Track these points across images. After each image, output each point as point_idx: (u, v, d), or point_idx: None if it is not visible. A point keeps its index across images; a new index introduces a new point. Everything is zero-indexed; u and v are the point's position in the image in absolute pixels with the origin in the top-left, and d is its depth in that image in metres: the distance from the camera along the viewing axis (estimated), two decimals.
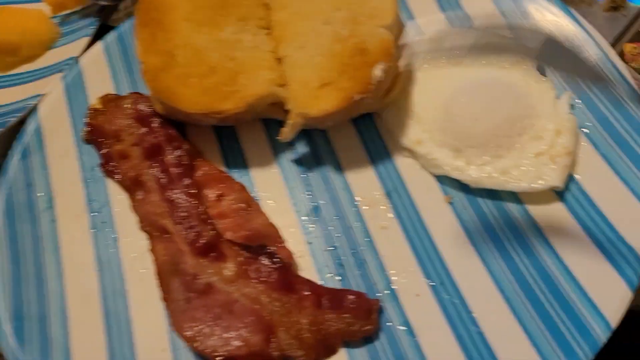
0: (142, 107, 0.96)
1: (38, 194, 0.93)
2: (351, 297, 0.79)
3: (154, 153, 0.93)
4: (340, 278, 0.84)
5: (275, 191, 0.92)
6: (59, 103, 1.01)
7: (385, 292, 0.82)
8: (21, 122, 1.00)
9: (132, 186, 0.92)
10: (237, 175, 0.94)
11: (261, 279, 0.81)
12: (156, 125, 0.95)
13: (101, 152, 0.97)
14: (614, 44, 0.99)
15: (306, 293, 0.79)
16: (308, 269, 0.85)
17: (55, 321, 0.83)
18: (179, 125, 0.96)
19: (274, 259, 0.82)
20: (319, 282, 0.84)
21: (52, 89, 1.02)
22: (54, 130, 0.99)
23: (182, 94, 0.89)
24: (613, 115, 0.88)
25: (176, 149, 0.93)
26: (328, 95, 0.87)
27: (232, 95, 0.89)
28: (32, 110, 1.01)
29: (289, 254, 0.85)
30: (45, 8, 1.16)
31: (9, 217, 0.91)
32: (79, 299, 0.85)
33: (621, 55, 0.98)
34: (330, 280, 0.84)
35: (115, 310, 0.84)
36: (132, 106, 0.97)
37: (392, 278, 0.83)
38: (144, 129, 0.95)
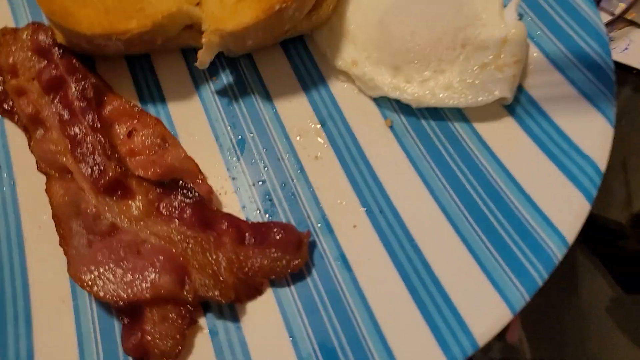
0: (42, 37, 0.84)
1: None
2: (277, 229, 0.69)
3: (54, 87, 0.81)
4: (268, 215, 0.74)
5: (196, 125, 0.82)
6: None
7: (318, 225, 0.72)
8: None
9: (30, 124, 0.81)
10: (153, 110, 0.84)
11: (173, 215, 0.71)
12: (57, 55, 0.83)
13: None
14: None
15: (225, 227, 0.69)
16: (232, 206, 0.75)
17: None
18: (87, 59, 0.85)
19: (189, 194, 0.71)
20: (244, 219, 0.74)
21: None
22: None
23: (81, 14, 0.78)
24: (566, 23, 0.79)
25: (80, 80, 0.81)
26: (247, 8, 0.76)
27: (138, 13, 0.78)
28: None
29: (209, 189, 0.75)
30: None
31: None
32: None
33: None
34: (257, 217, 0.74)
35: (9, 259, 0.73)
36: (31, 37, 0.85)
37: (327, 210, 0.73)
38: (44, 62, 0.83)
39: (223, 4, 0.78)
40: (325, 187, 0.75)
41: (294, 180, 0.76)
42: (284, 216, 0.74)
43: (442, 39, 0.77)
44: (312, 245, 0.71)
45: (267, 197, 0.75)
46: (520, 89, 0.76)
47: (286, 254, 0.68)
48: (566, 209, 0.66)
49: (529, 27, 0.80)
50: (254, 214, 0.74)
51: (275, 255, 0.68)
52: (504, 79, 0.74)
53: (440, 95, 0.76)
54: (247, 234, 0.70)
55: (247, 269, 0.67)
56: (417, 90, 0.77)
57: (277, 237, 0.68)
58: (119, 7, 0.78)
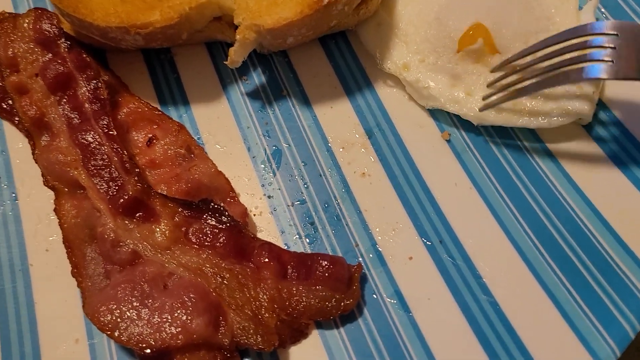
0: (46, 26, 0.74)
1: None
2: (325, 262, 0.60)
3: (62, 85, 0.71)
4: (310, 242, 0.65)
5: (224, 132, 0.73)
6: None
7: (369, 255, 0.63)
8: None
9: (34, 129, 0.71)
10: (174, 113, 0.74)
11: (206, 243, 0.62)
12: (64, 49, 0.72)
13: None
14: None
15: (266, 260, 0.60)
16: (269, 230, 0.66)
17: None
18: (97, 52, 0.74)
19: (223, 218, 0.62)
20: (283, 247, 0.65)
21: None
22: None
23: (93, 2, 0.67)
24: None
25: (92, 79, 0.71)
26: (288, 0, 0.66)
27: (160, 3, 0.68)
28: None
29: (243, 211, 0.66)
30: None
31: None
32: None
33: None
34: (298, 244, 0.65)
35: (13, 292, 0.63)
36: (33, 26, 0.74)
37: (378, 238, 0.65)
38: (48, 55, 0.73)
39: None
40: (374, 209, 0.66)
41: (339, 201, 0.67)
42: (328, 244, 0.65)
43: (511, 46, 0.67)
44: (363, 280, 0.62)
45: (309, 219, 0.66)
46: (600, 104, 0.67)
47: (335, 292, 0.59)
48: None
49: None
50: (294, 240, 0.65)
51: (323, 293, 0.59)
52: (581, 97, 0.65)
53: (507, 114, 0.66)
54: (289, 267, 0.61)
55: (291, 309, 0.59)
56: (479, 105, 0.67)
57: (325, 272, 0.60)
58: None
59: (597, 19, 0.72)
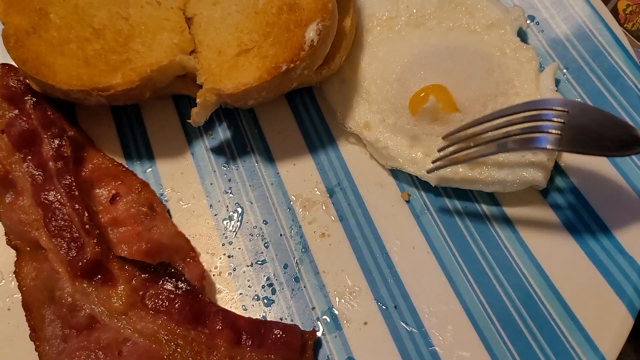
0: (13, 82, 0.74)
1: None
2: (278, 331, 0.61)
3: (26, 142, 0.71)
4: (267, 304, 0.65)
5: (187, 189, 0.73)
6: None
7: (325, 319, 0.64)
8: None
9: None
10: (139, 168, 0.74)
11: (161, 308, 0.62)
12: (30, 105, 0.73)
13: None
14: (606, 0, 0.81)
15: (220, 327, 0.61)
16: (227, 290, 0.67)
17: None
18: (65, 104, 0.75)
19: (179, 283, 0.63)
20: (241, 308, 0.65)
21: None
22: None
23: (56, 64, 0.68)
24: (607, 89, 0.70)
25: (56, 136, 0.71)
26: (248, 65, 0.67)
27: (123, 65, 0.68)
28: None
29: (201, 273, 0.66)
30: None
31: None
32: None
33: (614, 12, 0.80)
34: (255, 308, 0.65)
35: None
36: (0, 81, 0.74)
37: (335, 300, 0.65)
38: (15, 111, 0.73)
39: (221, 57, 0.69)
40: (333, 271, 0.67)
41: (298, 262, 0.67)
42: (286, 306, 0.65)
43: (469, 109, 0.68)
44: (317, 345, 0.63)
45: (267, 281, 0.67)
46: (556, 167, 0.68)
47: (288, 359, 0.60)
48: (607, 325, 0.58)
49: (567, 93, 0.71)
50: (252, 303, 0.66)
51: None
52: (537, 162, 0.65)
53: (465, 176, 0.67)
54: (243, 334, 0.61)
55: None
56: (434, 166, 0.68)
57: (278, 341, 0.60)
58: (101, 57, 0.68)
59: (558, 81, 0.72)
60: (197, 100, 0.68)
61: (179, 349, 0.60)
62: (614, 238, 0.63)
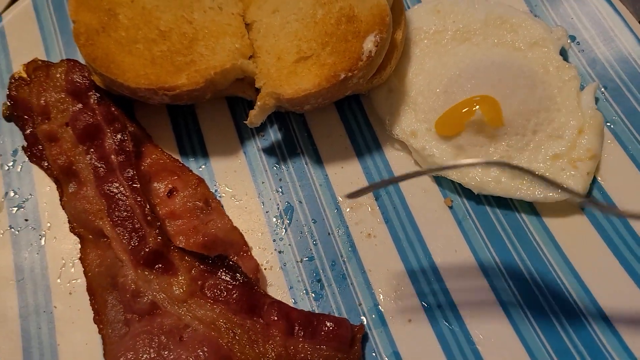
0: (78, 77, 0.78)
1: None
2: (330, 324, 0.64)
3: (90, 136, 0.75)
4: (316, 298, 0.69)
5: (241, 186, 0.77)
6: None
7: (372, 315, 0.68)
8: None
9: (62, 176, 0.75)
10: (194, 165, 0.78)
11: (220, 298, 0.66)
12: (94, 100, 0.77)
13: (25, 132, 0.79)
14: None
15: (275, 318, 0.65)
16: (278, 284, 0.71)
17: None
18: (124, 101, 0.78)
19: (237, 275, 0.67)
20: (291, 301, 0.69)
21: None
22: None
23: (125, 63, 0.72)
24: None
25: (118, 131, 0.75)
26: (307, 72, 0.71)
27: (188, 67, 0.72)
28: None
29: (255, 266, 0.70)
30: None
31: None
32: None
33: None
34: (304, 300, 0.69)
35: (37, 333, 0.68)
36: (65, 76, 0.78)
37: (380, 298, 0.69)
38: (78, 105, 0.77)
39: (280, 62, 0.73)
40: (378, 270, 0.70)
41: (345, 260, 0.71)
42: (333, 301, 0.69)
43: (513, 123, 0.71)
44: (364, 339, 0.67)
45: (316, 276, 0.71)
46: (594, 180, 0.72)
47: (338, 351, 0.64)
48: None
49: (605, 111, 0.75)
50: (302, 296, 0.70)
51: (327, 352, 0.63)
52: (577, 175, 0.69)
53: (506, 185, 0.71)
54: (296, 325, 0.65)
55: None
56: (481, 175, 0.72)
57: (330, 333, 0.64)
58: (167, 58, 0.72)
59: (597, 99, 0.76)
60: (257, 103, 0.72)
61: (236, 337, 0.64)
62: None
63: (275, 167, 0.78)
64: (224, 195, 0.76)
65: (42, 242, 0.73)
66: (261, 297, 0.67)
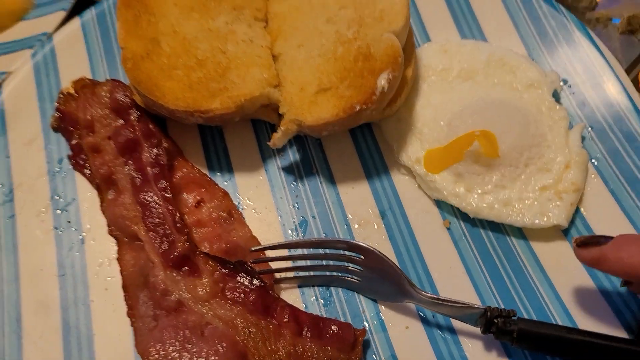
0: (120, 96, 0.87)
1: None
2: (335, 327, 0.73)
3: (129, 149, 0.84)
4: (324, 303, 0.78)
5: (261, 200, 0.85)
6: (26, 84, 0.91)
7: (373, 322, 0.76)
8: None
9: (103, 184, 0.84)
10: (220, 179, 0.87)
11: (237, 299, 0.74)
12: (134, 118, 0.86)
13: (71, 142, 0.88)
14: (629, 69, 0.94)
15: (286, 319, 0.73)
16: (291, 290, 0.79)
17: (9, 333, 0.75)
18: (159, 119, 0.87)
19: (254, 279, 0.75)
20: (302, 306, 0.78)
21: (20, 67, 0.92)
22: (19, 114, 0.89)
23: (165, 87, 0.80)
24: (625, 150, 0.83)
25: (154, 146, 0.84)
26: (326, 103, 0.80)
27: (221, 93, 0.81)
28: None
29: (270, 275, 0.78)
30: None
31: None
32: (36, 308, 0.77)
33: (635, 82, 0.93)
34: (314, 304, 0.78)
35: (76, 324, 0.76)
36: (109, 95, 0.87)
37: (381, 306, 0.77)
38: (120, 121, 0.86)
39: (303, 92, 0.81)
40: None
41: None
42: (340, 307, 0.77)
43: (507, 155, 0.80)
44: (366, 343, 0.75)
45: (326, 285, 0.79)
46: (577, 211, 0.80)
47: (341, 352, 0.72)
48: None
49: (590, 149, 0.84)
50: (312, 302, 0.78)
51: (331, 353, 0.71)
52: (562, 206, 0.78)
53: (498, 211, 0.79)
54: (305, 327, 0.73)
55: None
56: (476, 201, 0.80)
57: (335, 335, 0.72)
58: (203, 84, 0.81)
59: (584, 137, 0.85)
60: (281, 128, 0.81)
61: (251, 335, 0.72)
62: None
63: (293, 184, 0.86)
64: (245, 207, 0.85)
65: (82, 242, 0.82)
66: (275, 300, 0.75)
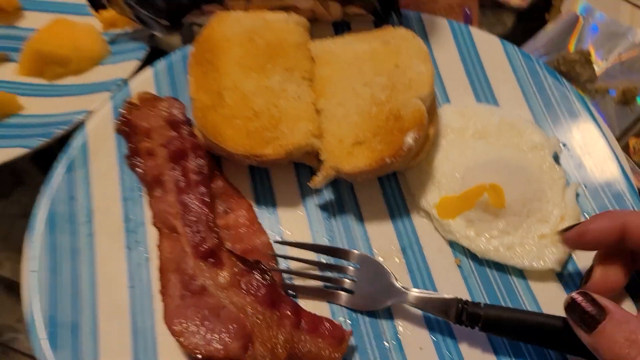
0: (176, 112, 1.02)
1: (79, 208, 0.99)
2: (328, 324, 0.87)
3: (178, 157, 0.99)
4: (351, 322, 0.91)
5: (299, 232, 1.00)
6: (106, 122, 1.07)
7: (392, 341, 0.90)
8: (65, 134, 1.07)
9: (152, 183, 0.99)
10: (265, 212, 1.01)
11: (250, 291, 0.88)
12: (185, 132, 1.01)
13: (129, 144, 1.03)
14: (621, 136, 1.09)
15: (288, 313, 0.86)
16: (322, 307, 0.92)
17: (87, 332, 0.89)
18: (215, 156, 1.03)
19: (266, 276, 0.89)
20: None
21: (101, 108, 1.08)
22: (99, 148, 1.05)
23: (227, 134, 0.96)
24: (613, 207, 0.97)
25: (199, 157, 0.99)
26: (361, 154, 0.95)
27: (273, 141, 0.96)
28: (79, 125, 1.07)
29: (279, 276, 0.93)
30: (96, 23, 1.21)
31: (50, 226, 0.97)
32: (110, 312, 0.91)
33: (626, 148, 1.07)
34: (342, 322, 0.91)
35: (142, 327, 0.90)
36: (167, 109, 1.02)
37: (399, 328, 0.91)
38: (173, 133, 1.01)
39: (341, 144, 0.97)
40: (400, 308, 0.92)
41: None
42: (363, 327, 0.91)
43: (512, 207, 0.94)
44: (353, 350, 0.88)
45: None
46: (570, 257, 0.94)
47: (330, 346, 0.84)
48: None
49: (584, 205, 0.98)
50: (342, 320, 0.91)
51: (321, 345, 0.84)
52: (556, 252, 0.92)
53: (503, 254, 0.93)
54: (303, 321, 0.86)
55: (297, 350, 0.84)
56: (484, 244, 0.94)
57: (326, 330, 0.86)
58: (258, 133, 0.97)
59: (578, 194, 0.99)
60: (322, 173, 0.95)
61: (258, 321, 0.85)
62: None
63: (327, 220, 1.01)
64: (285, 237, 0.99)
65: (147, 260, 0.96)
66: (281, 296, 0.89)
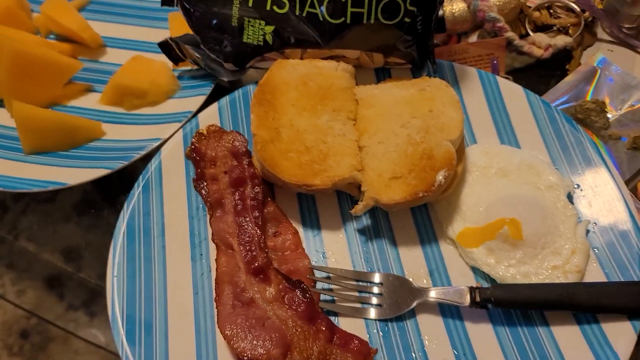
0: (239, 144, 1.18)
1: (153, 223, 1.16)
2: (357, 341, 0.99)
3: (238, 184, 1.14)
4: (384, 334, 1.05)
5: (340, 253, 1.14)
6: (177, 148, 1.24)
7: (419, 353, 1.03)
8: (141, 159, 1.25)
9: (214, 204, 1.14)
10: (310, 233, 1.16)
11: (292, 306, 1.01)
12: (246, 163, 1.17)
13: (197, 170, 1.19)
14: (630, 179, 1.21)
15: (323, 328, 0.99)
16: (357, 323, 1.06)
17: (159, 330, 1.04)
18: (269, 184, 1.19)
19: (306, 295, 1.02)
20: (365, 336, 1.04)
21: (174, 136, 1.25)
22: (171, 171, 1.21)
23: (283, 165, 1.12)
24: (619, 244, 1.09)
25: (256, 186, 1.14)
26: (397, 188, 1.09)
27: (322, 173, 1.11)
28: (155, 150, 1.23)
29: (317, 295, 1.06)
30: (167, 61, 1.39)
31: (129, 238, 1.13)
32: (178, 314, 1.07)
33: (634, 190, 1.20)
34: (374, 335, 1.04)
35: (204, 329, 1.06)
36: (231, 142, 1.19)
37: (425, 342, 1.04)
38: (235, 162, 1.17)
39: (379, 178, 1.11)
40: (427, 324, 1.05)
41: (405, 315, 1.07)
42: (394, 340, 1.04)
43: (529, 239, 1.07)
44: None
45: (383, 322, 1.07)
46: None
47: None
48: None
49: (593, 240, 1.10)
50: (374, 333, 1.05)
51: (350, 359, 0.97)
52: (566, 281, 1.04)
53: (519, 281, 1.05)
54: (335, 337, 0.99)
55: None
56: (502, 271, 1.07)
57: (355, 346, 0.98)
58: (309, 165, 1.12)
59: (588, 231, 1.12)
60: (362, 202, 1.09)
61: (297, 333, 0.98)
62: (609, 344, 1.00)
63: (364, 243, 1.15)
64: (327, 257, 1.14)
65: (209, 270, 1.11)
66: (318, 313, 1.01)
